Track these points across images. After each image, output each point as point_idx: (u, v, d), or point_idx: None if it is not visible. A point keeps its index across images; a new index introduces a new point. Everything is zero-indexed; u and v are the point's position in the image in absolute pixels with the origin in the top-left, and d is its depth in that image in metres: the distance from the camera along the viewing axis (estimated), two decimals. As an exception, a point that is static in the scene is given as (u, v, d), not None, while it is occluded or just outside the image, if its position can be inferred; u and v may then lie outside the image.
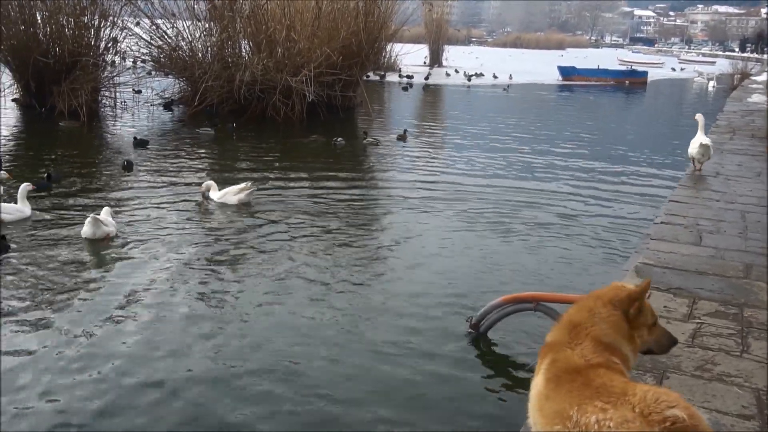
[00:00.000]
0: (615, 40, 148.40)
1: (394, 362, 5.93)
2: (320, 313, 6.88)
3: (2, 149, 14.42)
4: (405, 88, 33.46)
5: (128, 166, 12.70)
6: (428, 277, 8.05)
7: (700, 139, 10.29)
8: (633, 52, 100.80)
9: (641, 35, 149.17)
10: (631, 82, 44.35)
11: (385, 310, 7.00)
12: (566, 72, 45.08)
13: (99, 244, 8.46)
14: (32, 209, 9.48)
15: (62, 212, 9.85)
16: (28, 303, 6.74)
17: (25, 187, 9.38)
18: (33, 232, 8.88)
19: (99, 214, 8.63)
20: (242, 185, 10.79)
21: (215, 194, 10.81)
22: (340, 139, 16.97)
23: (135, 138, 15.40)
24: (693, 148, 10.28)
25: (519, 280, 7.88)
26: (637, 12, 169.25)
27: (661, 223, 7.41)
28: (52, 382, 5.35)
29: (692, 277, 5.69)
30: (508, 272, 8.30)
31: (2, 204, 9.16)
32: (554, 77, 44.62)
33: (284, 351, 6.03)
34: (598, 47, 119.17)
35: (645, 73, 46.16)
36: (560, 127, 22.29)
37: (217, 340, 6.20)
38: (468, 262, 8.58)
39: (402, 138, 17.88)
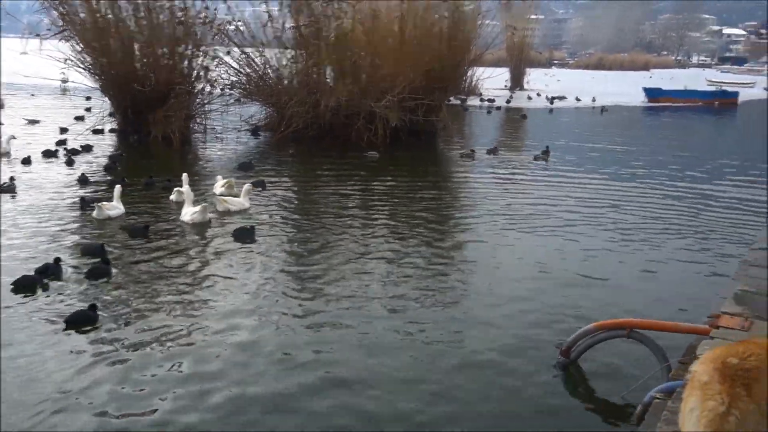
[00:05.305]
0: (702, 60, 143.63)
1: (481, 385, 5.93)
2: (404, 328, 7.00)
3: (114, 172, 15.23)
4: (489, 111, 33.83)
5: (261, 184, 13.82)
6: (518, 297, 8.03)
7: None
8: (722, 72, 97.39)
9: (730, 54, 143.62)
10: (721, 103, 43.01)
11: (473, 333, 6.98)
12: (652, 93, 44.09)
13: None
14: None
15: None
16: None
17: (247, 187, 12.15)
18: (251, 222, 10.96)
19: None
20: (246, 187, 12.33)
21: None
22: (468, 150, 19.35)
23: (245, 162, 16.38)
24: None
25: (615, 302, 7.83)
26: (726, 30, 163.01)
27: (759, 249, 7.16)
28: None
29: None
30: (603, 292, 8.27)
31: (230, 198, 12.03)
32: (639, 99, 43.68)
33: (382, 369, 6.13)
34: (684, 68, 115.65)
35: (736, 94, 44.72)
36: (652, 149, 22.01)
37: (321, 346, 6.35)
38: (560, 283, 8.54)
39: (543, 157, 18.74)
